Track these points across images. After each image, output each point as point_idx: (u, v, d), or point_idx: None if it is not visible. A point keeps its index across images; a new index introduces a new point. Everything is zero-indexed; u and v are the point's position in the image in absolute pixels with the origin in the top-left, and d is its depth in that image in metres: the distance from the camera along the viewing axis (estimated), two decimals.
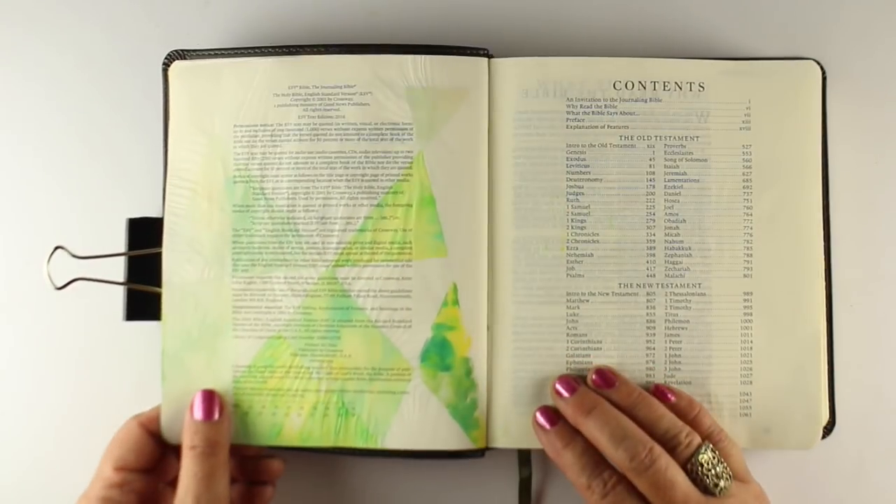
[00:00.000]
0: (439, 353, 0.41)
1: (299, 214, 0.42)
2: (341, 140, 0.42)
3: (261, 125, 0.42)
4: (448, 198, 0.42)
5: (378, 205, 0.42)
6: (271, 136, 0.42)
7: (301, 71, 0.42)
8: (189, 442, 0.38)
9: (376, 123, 0.42)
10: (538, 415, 0.39)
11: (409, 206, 0.41)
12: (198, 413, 0.39)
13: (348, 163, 0.42)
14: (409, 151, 0.42)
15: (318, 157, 0.42)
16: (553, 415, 0.39)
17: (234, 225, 0.42)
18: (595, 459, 0.37)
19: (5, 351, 0.45)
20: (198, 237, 0.42)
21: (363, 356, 0.41)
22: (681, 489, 0.35)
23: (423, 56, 0.42)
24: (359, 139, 0.42)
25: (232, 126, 0.42)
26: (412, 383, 0.41)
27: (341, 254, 0.42)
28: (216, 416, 0.39)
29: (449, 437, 0.41)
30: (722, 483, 0.36)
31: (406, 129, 0.42)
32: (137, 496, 0.39)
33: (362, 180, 0.42)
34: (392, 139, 0.42)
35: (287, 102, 0.42)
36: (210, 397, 0.40)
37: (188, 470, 0.38)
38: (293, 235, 0.42)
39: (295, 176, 0.42)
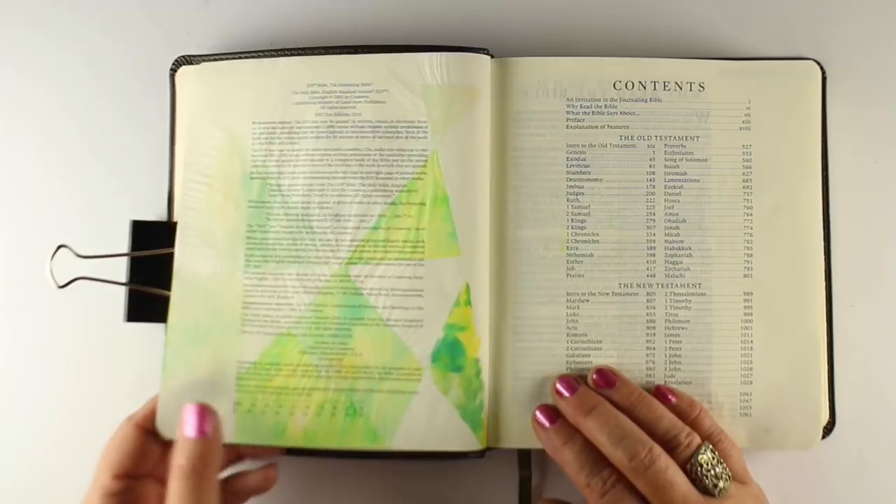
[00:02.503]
0: (450, 353, 0.41)
1: (314, 211, 0.42)
2: (357, 137, 0.42)
3: (279, 122, 0.42)
4: (462, 197, 0.41)
5: (392, 203, 0.41)
6: (289, 133, 0.42)
7: (320, 69, 0.42)
8: (177, 459, 0.36)
9: (392, 121, 0.42)
10: (538, 413, 0.39)
11: (423, 204, 0.41)
12: (189, 429, 0.37)
13: (363, 160, 0.42)
14: (423, 150, 0.42)
15: (334, 155, 0.42)
16: (552, 413, 0.39)
17: (248, 220, 0.42)
18: (594, 458, 0.37)
19: (5, 350, 0.45)
20: (211, 231, 0.42)
21: (374, 355, 0.41)
22: (680, 489, 0.35)
23: (440, 54, 0.42)
24: (374, 137, 0.42)
25: (250, 122, 0.42)
26: (422, 383, 0.41)
27: (354, 251, 0.41)
28: (209, 432, 0.37)
29: (458, 438, 0.40)
30: (721, 484, 0.36)
31: (421, 126, 0.42)
32: None
33: (377, 178, 0.42)
34: (407, 137, 0.42)
35: (305, 100, 0.42)
36: (202, 412, 0.37)
37: (174, 490, 0.35)
38: (307, 232, 0.42)
39: (311, 173, 0.42)
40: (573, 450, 0.37)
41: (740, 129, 0.42)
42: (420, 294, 0.41)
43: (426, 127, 0.42)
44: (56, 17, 0.46)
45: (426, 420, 0.40)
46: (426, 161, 0.42)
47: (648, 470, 0.35)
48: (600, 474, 0.36)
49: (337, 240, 0.41)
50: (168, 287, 0.42)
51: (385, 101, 0.42)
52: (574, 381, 0.40)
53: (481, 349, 0.41)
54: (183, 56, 0.43)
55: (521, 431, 0.41)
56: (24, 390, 0.45)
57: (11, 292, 0.45)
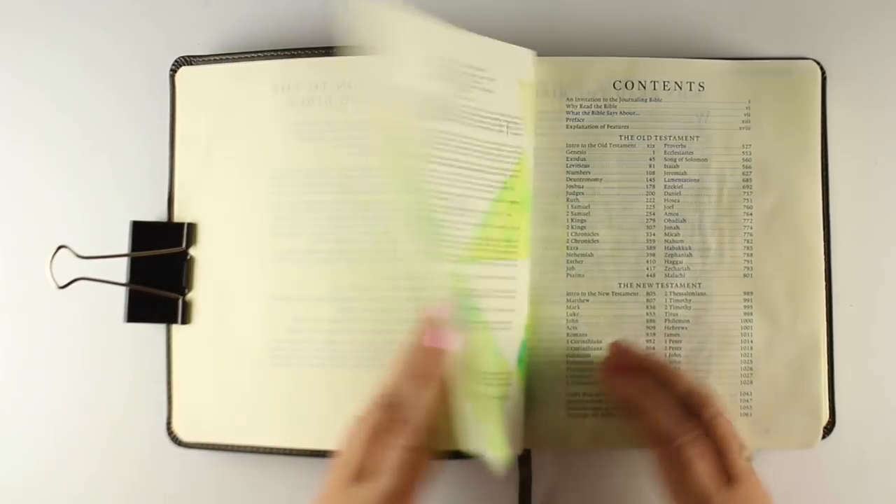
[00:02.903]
0: (525, 354, 0.40)
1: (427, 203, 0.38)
2: (468, 125, 0.39)
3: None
4: (536, 197, 0.41)
5: (495, 200, 0.40)
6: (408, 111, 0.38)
7: (443, 43, 0.39)
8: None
9: (497, 113, 0.40)
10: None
11: (517, 203, 0.40)
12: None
13: (471, 150, 0.39)
14: (518, 146, 0.40)
15: (444, 137, 0.38)
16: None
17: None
18: (678, 406, 0.36)
19: (6, 350, 0.45)
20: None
21: (475, 359, 0.37)
22: (738, 439, 0.35)
23: (529, 50, 0.41)
24: (481, 127, 0.39)
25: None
26: (512, 386, 0.39)
27: (464, 249, 0.39)
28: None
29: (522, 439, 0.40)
30: (746, 452, 0.36)
31: (518, 123, 0.40)
32: None
33: (482, 171, 0.39)
34: (506, 132, 0.40)
35: (431, 73, 0.38)
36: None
37: None
38: (426, 224, 0.38)
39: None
40: (664, 396, 0.36)
41: (740, 128, 0.42)
42: (512, 295, 0.40)
43: (521, 123, 0.40)
44: (56, 17, 0.46)
45: (517, 422, 0.39)
46: (520, 158, 0.40)
47: (719, 418, 0.35)
48: (685, 424, 0.35)
49: (449, 235, 0.38)
50: (167, 287, 0.42)
51: (492, 91, 0.40)
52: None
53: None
54: (183, 56, 0.43)
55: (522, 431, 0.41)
56: (24, 390, 0.45)
57: (11, 292, 0.45)
